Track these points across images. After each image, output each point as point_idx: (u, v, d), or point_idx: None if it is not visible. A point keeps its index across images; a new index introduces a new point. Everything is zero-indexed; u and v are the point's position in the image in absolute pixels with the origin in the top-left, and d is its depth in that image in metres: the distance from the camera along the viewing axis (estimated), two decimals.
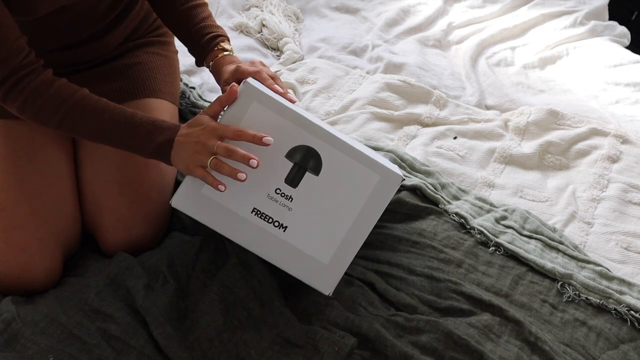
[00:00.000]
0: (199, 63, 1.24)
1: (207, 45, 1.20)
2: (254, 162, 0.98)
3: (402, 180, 1.05)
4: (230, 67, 1.15)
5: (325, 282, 1.06)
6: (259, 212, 1.03)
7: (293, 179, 1.02)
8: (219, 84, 1.18)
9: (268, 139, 0.99)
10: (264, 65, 1.15)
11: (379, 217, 1.05)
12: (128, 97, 1.26)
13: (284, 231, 1.04)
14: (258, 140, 0.99)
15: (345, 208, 1.03)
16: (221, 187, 0.99)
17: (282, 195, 1.02)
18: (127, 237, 1.18)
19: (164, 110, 1.30)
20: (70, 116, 1.04)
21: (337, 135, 1.03)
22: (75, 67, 1.23)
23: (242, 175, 0.99)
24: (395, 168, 1.08)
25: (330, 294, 1.07)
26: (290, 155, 1.01)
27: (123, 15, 1.25)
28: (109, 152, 1.19)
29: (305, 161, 1.01)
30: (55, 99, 1.03)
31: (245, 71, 1.11)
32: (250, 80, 1.03)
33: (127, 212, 1.18)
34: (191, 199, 1.03)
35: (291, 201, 1.03)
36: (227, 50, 1.19)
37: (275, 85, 1.09)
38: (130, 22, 1.28)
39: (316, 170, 1.01)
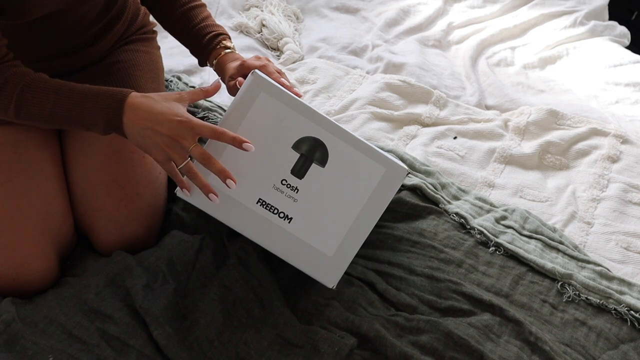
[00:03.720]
0: (202, 63, 1.23)
1: (208, 45, 1.20)
2: (231, 183, 0.96)
3: (407, 174, 1.05)
4: (235, 63, 1.15)
5: (329, 275, 1.06)
6: (264, 203, 1.03)
7: (299, 170, 1.02)
8: (223, 81, 1.18)
9: (249, 145, 0.95)
10: (269, 60, 1.15)
11: (384, 210, 1.05)
12: None
13: (289, 222, 1.03)
14: (238, 144, 0.95)
15: (351, 200, 1.03)
16: (186, 192, 0.99)
17: (288, 186, 1.02)
18: (120, 236, 1.18)
19: None
20: (23, 100, 1.00)
21: (344, 127, 1.04)
22: (64, 74, 1.22)
23: (213, 197, 0.98)
24: (400, 162, 1.09)
25: (334, 287, 1.07)
26: (297, 146, 1.01)
27: (112, 24, 1.24)
28: (95, 153, 1.19)
29: (312, 152, 1.01)
30: (9, 84, 1.00)
31: (251, 65, 1.12)
32: (258, 71, 1.03)
33: (117, 211, 1.18)
34: (195, 189, 1.02)
35: (297, 192, 1.03)
36: (229, 48, 1.19)
37: (282, 79, 1.09)
38: (119, 30, 1.27)
39: (322, 162, 1.01)
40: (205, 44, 1.20)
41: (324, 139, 1.01)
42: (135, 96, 0.99)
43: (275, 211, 1.03)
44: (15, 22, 1.04)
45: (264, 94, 1.00)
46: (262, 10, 2.00)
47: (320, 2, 2.13)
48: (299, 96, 1.07)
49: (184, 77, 1.62)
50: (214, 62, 1.19)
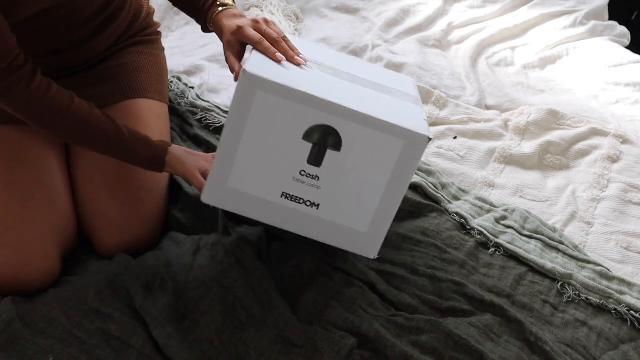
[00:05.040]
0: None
1: (204, 5, 1.15)
2: None
3: (429, 141, 0.98)
4: (231, 25, 1.10)
5: (368, 248, 1.05)
6: (288, 195, 1.01)
7: (315, 159, 0.99)
8: (221, 40, 1.13)
9: None
10: (267, 23, 1.09)
11: (411, 178, 1.01)
12: (114, 100, 1.25)
13: (317, 209, 1.02)
14: None
15: (374, 178, 1.00)
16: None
17: (308, 175, 1.00)
18: (122, 240, 1.18)
19: (151, 110, 1.29)
20: (61, 129, 1.07)
21: (353, 107, 0.97)
22: (60, 72, 1.22)
23: None
24: (420, 125, 1.00)
25: (375, 257, 1.07)
26: (307, 136, 0.97)
27: (109, 21, 1.23)
28: (98, 155, 1.19)
29: (324, 140, 0.98)
30: (48, 109, 1.04)
31: (247, 36, 1.06)
32: (248, 67, 0.96)
33: (119, 215, 1.18)
34: (220, 193, 1.02)
35: (318, 180, 1.00)
36: (225, 4, 1.14)
37: (278, 55, 1.04)
38: (117, 28, 1.26)
39: (337, 147, 0.98)
40: (202, 5, 1.15)
41: (334, 124, 0.97)
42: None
43: (301, 201, 1.02)
44: (8, 21, 1.03)
45: (260, 92, 0.95)
46: (262, 10, 2.00)
47: (320, 2, 2.13)
48: (301, 63, 1.03)
49: (184, 78, 1.61)
50: (212, 22, 1.14)
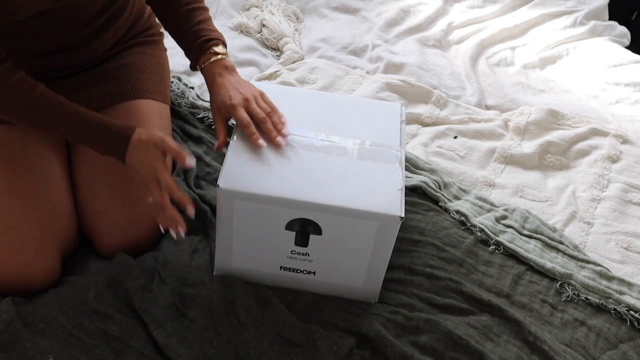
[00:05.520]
0: (192, 66, 1.23)
1: (199, 49, 1.19)
2: (181, 231, 1.07)
3: (401, 220, 1.02)
4: (223, 92, 1.13)
5: (368, 297, 1.14)
6: (286, 268, 1.11)
7: (301, 242, 1.07)
8: (209, 89, 1.18)
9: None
10: (256, 99, 1.13)
11: (393, 244, 1.06)
12: (115, 100, 1.25)
13: (314, 275, 1.12)
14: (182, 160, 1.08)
15: (358, 249, 1.07)
16: (180, 232, 1.07)
17: (299, 254, 1.09)
18: (122, 240, 1.18)
19: (153, 110, 1.29)
20: (27, 115, 1.08)
21: (325, 201, 1.01)
22: (62, 72, 1.22)
23: (181, 232, 1.07)
24: (393, 203, 1.02)
25: (376, 302, 1.15)
26: (289, 227, 1.05)
27: (112, 22, 1.23)
28: (100, 156, 1.19)
29: (304, 228, 1.05)
30: (12, 94, 1.05)
31: (236, 117, 1.11)
32: (222, 181, 1.01)
33: (119, 215, 1.18)
34: (227, 269, 1.13)
35: (308, 256, 1.09)
36: (219, 54, 1.18)
37: (260, 141, 1.08)
38: (119, 29, 1.26)
39: (318, 232, 1.05)
40: (196, 48, 1.19)
41: (310, 217, 1.03)
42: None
43: (298, 271, 1.12)
44: (4, 21, 1.03)
45: (237, 201, 1.02)
46: (262, 10, 2.00)
47: (320, 2, 2.13)
48: (281, 145, 1.07)
49: (184, 78, 1.62)
50: (203, 66, 1.18)
